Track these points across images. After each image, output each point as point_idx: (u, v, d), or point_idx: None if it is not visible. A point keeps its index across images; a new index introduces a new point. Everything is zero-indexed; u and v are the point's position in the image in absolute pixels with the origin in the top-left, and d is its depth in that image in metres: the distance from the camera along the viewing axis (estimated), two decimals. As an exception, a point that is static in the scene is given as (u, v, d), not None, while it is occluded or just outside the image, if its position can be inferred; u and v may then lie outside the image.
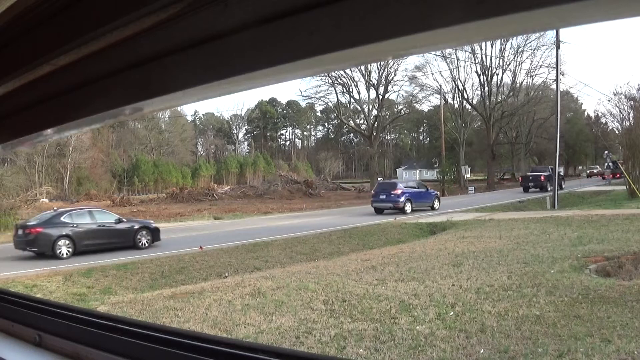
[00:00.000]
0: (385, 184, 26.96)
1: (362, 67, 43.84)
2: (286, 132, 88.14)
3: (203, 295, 8.31)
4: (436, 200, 26.01)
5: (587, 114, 64.95)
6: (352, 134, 75.47)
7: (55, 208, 17.90)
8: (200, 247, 14.42)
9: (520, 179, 38.78)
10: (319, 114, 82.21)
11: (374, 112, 47.94)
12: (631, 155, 24.97)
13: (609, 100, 51.95)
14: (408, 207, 23.91)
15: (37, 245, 14.45)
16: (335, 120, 70.42)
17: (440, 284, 7.96)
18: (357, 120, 53.61)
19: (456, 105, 52.17)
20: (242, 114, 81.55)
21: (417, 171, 71.29)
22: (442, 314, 6.38)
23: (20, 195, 29.06)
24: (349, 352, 5.32)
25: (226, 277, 11.23)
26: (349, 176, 77.00)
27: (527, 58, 60.57)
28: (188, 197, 38.99)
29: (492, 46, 47.02)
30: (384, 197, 24.44)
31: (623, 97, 31.91)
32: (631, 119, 30.21)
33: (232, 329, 6.36)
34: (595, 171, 51.87)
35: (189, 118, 76.88)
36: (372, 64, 41.94)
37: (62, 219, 15.23)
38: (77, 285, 10.45)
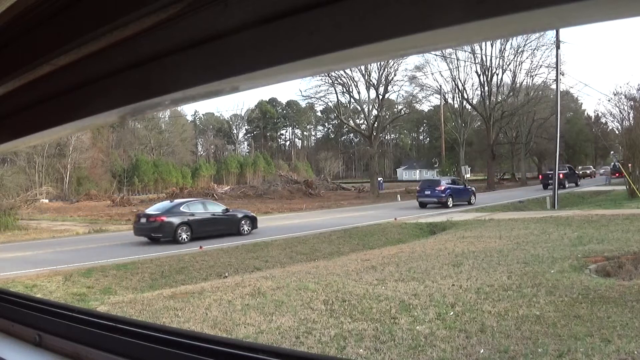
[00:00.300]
0: (430, 181, 28.84)
1: (362, 67, 43.78)
2: (286, 132, 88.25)
3: (203, 295, 8.31)
4: (472, 196, 27.96)
5: (587, 114, 64.93)
6: (352, 134, 75.49)
7: (170, 200, 20.55)
8: (200, 247, 14.43)
9: (540, 176, 40.95)
10: (319, 114, 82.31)
11: (374, 112, 47.92)
12: (631, 155, 24.97)
13: (609, 100, 51.94)
14: (450, 202, 25.99)
15: (161, 232, 16.40)
16: (335, 120, 70.41)
17: (440, 284, 7.96)
18: (357, 120, 53.59)
19: (456, 105, 52.14)
20: (242, 114, 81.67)
21: (417, 171, 71.24)
22: (442, 314, 6.38)
23: (20, 195, 29.08)
24: (349, 352, 5.32)
25: (226, 277, 11.23)
26: (349, 176, 77.02)
27: (527, 58, 60.40)
28: (188, 197, 38.99)
29: (492, 46, 46.98)
30: (429, 192, 26.58)
31: (623, 97, 31.93)
32: (631, 119, 30.22)
33: (232, 329, 6.36)
34: (588, 172, 50.73)
35: (189, 118, 77.03)
36: (372, 64, 41.93)
37: (181, 208, 17.29)
38: (77, 285, 10.44)
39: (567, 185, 36.23)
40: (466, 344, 5.32)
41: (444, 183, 27.28)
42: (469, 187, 29.24)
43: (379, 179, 47.44)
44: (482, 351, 5.12)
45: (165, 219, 16.52)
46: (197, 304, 7.72)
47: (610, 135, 47.61)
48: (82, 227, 22.83)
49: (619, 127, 35.12)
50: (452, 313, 6.41)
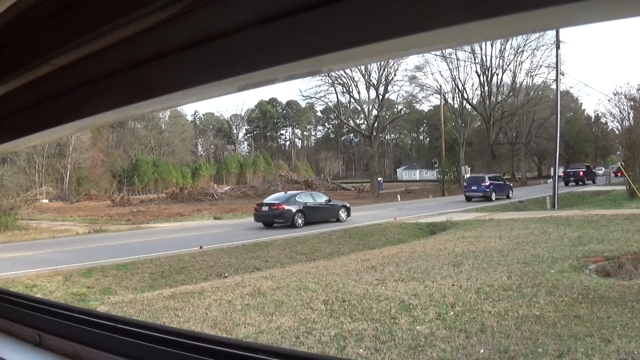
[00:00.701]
0: (476, 177, 32.23)
1: (362, 67, 43.82)
2: (286, 132, 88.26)
3: (203, 295, 8.31)
4: (511, 190, 31.43)
5: (587, 114, 64.78)
6: (352, 134, 75.48)
7: (284, 192, 23.85)
8: (200, 247, 14.43)
9: (562, 174, 43.54)
10: (319, 114, 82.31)
11: (374, 112, 47.94)
12: (631, 155, 24.96)
13: (609, 100, 51.89)
14: (493, 196, 29.07)
15: (282, 217, 19.47)
16: (335, 120, 70.39)
17: (440, 284, 7.95)
18: (357, 120, 53.64)
19: (456, 105, 52.18)
20: (242, 114, 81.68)
21: (417, 171, 71.29)
22: (442, 314, 6.38)
23: (20, 195, 29.06)
24: (349, 352, 5.32)
25: (226, 277, 11.22)
26: (349, 176, 77.02)
27: (527, 58, 60.60)
28: (188, 197, 39.02)
29: (492, 46, 47.09)
30: (475, 187, 29.93)
31: (623, 97, 31.86)
32: (631, 119, 30.18)
33: (232, 329, 6.36)
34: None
35: (189, 118, 77.03)
36: (372, 64, 41.95)
37: (296, 198, 20.44)
38: (77, 285, 10.43)
39: (586, 182, 39.45)
40: (466, 344, 5.32)
41: (488, 179, 30.33)
42: (508, 182, 33.22)
43: (379, 178, 47.47)
44: (482, 351, 5.11)
45: (285, 207, 19.57)
46: (197, 304, 7.71)
47: (610, 135, 47.45)
48: (82, 227, 22.83)
49: (619, 127, 35.11)
50: (452, 313, 6.41)
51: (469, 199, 29.63)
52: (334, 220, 20.54)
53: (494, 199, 28.70)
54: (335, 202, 22.03)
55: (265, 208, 20.09)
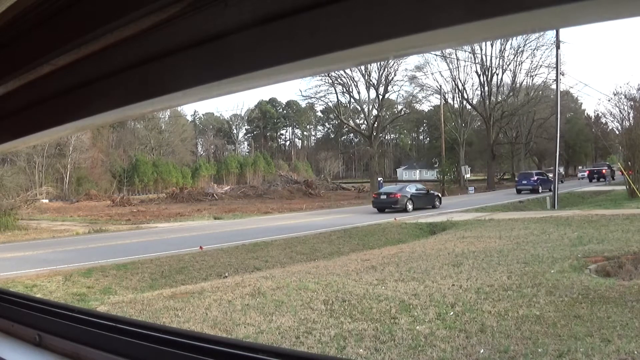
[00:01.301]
0: (525, 173, 37.80)
1: (362, 67, 43.86)
2: (286, 132, 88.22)
3: (203, 295, 8.31)
4: (552, 185, 34.90)
5: (587, 114, 64.70)
6: (352, 134, 75.46)
7: (395, 184, 32.37)
8: (200, 247, 14.43)
9: (587, 172, 48.72)
10: (319, 114, 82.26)
11: (374, 112, 47.96)
12: (631, 155, 24.97)
13: (609, 100, 51.97)
14: (540, 189, 33.48)
15: (398, 204, 24.36)
16: (335, 120, 70.38)
17: (440, 284, 7.95)
18: (357, 120, 53.66)
19: (456, 105, 52.21)
20: (242, 114, 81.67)
21: (417, 171, 71.28)
22: (442, 314, 6.38)
23: (20, 195, 29.02)
24: (349, 352, 5.32)
25: (226, 277, 11.22)
26: (349, 176, 76.99)
27: (527, 58, 60.70)
28: (188, 197, 39.00)
29: (492, 46, 47.09)
30: (525, 182, 35.13)
31: (623, 97, 31.84)
32: (631, 119, 30.18)
33: (232, 329, 6.36)
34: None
35: (189, 118, 76.99)
36: (372, 64, 41.94)
37: (406, 189, 25.79)
38: (77, 285, 10.43)
39: (607, 179, 43.23)
40: (466, 344, 5.32)
41: (535, 175, 35.94)
42: (551, 177, 37.58)
43: (379, 179, 47.45)
44: (482, 351, 5.11)
45: (400, 195, 24.65)
46: (197, 304, 7.71)
47: (610, 135, 47.45)
48: (82, 227, 22.83)
49: (619, 127, 35.11)
50: (452, 313, 6.41)
51: (519, 191, 34.29)
52: (430, 207, 25.19)
53: (540, 191, 32.86)
54: (432, 192, 27.04)
55: (383, 196, 25.19)
